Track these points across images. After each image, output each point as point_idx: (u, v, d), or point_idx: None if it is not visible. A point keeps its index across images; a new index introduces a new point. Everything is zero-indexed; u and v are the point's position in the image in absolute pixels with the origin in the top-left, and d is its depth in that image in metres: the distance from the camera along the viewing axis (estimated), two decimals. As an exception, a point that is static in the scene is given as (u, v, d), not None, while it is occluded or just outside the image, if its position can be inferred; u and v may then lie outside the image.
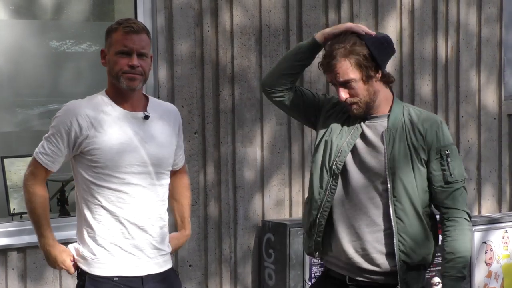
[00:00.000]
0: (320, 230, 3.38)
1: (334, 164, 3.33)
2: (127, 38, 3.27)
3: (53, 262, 3.37)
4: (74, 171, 3.35)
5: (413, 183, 3.29)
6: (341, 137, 3.35)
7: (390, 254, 3.30)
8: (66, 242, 4.69)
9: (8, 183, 4.99)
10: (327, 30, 3.36)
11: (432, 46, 6.19)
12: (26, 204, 3.35)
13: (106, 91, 3.36)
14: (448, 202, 3.32)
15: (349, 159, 3.34)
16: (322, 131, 3.42)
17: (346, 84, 3.26)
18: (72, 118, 3.25)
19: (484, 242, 5.92)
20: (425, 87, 6.16)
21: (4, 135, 5.50)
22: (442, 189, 3.31)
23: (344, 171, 3.34)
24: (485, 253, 5.91)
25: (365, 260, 3.33)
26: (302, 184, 5.69)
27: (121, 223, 3.30)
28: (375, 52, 3.25)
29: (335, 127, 3.39)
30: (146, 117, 3.35)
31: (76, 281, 3.42)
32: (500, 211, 6.46)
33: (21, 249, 4.83)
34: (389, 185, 3.28)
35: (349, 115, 3.38)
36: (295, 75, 3.45)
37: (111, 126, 3.29)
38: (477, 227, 5.76)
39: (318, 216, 3.37)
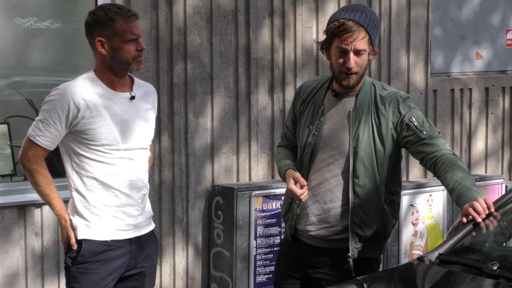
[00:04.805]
0: (293, 214, 3.39)
1: (303, 156, 3.33)
2: (132, 26, 3.21)
3: (64, 236, 3.33)
4: (65, 145, 3.30)
5: (374, 162, 3.26)
6: (308, 131, 3.32)
7: (347, 225, 3.30)
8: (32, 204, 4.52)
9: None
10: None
11: (367, 27, 6.19)
12: (34, 185, 3.29)
13: (96, 73, 3.29)
14: (431, 149, 3.22)
15: (317, 143, 3.32)
16: (297, 123, 3.43)
17: (358, 53, 3.21)
18: (69, 100, 3.19)
19: (411, 205, 5.92)
20: (360, 65, 6.17)
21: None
22: (423, 143, 3.23)
23: (313, 155, 3.33)
24: (412, 214, 5.92)
25: (327, 231, 3.33)
26: (248, 152, 5.67)
27: (113, 192, 3.29)
28: (372, 36, 3.24)
29: (304, 118, 3.36)
30: (132, 98, 3.33)
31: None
32: (425, 177, 6.45)
33: (-12, 210, 4.76)
34: (351, 163, 3.25)
35: (313, 99, 3.36)
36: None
37: (104, 107, 3.25)
38: (405, 191, 5.73)
39: (292, 202, 3.38)
